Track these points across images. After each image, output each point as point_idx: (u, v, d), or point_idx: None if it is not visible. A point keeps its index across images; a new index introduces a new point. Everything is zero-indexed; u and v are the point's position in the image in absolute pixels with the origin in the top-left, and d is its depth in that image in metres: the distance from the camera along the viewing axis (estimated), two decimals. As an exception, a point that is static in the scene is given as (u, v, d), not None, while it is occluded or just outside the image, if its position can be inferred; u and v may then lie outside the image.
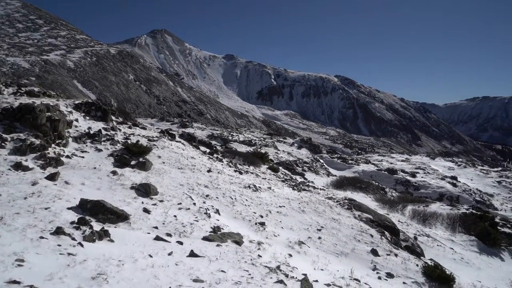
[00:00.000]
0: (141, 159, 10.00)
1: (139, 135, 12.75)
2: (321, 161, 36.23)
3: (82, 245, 4.84)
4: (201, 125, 47.80)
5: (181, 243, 6.03)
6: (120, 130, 12.73)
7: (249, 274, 5.24)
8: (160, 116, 64.10)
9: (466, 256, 11.02)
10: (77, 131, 10.66)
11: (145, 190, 8.17)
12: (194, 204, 8.34)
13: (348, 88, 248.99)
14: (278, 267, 5.88)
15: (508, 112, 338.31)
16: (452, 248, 11.41)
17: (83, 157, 9.25)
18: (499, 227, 14.03)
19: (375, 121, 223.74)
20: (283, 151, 35.01)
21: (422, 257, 9.47)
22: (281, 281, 5.13)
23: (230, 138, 36.66)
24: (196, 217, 7.60)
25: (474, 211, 15.35)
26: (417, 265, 8.15)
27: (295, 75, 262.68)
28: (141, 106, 75.28)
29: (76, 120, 11.31)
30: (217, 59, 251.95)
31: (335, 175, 29.10)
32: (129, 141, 11.19)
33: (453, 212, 14.82)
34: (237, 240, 6.80)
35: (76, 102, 13.04)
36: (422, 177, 36.36)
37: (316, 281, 5.67)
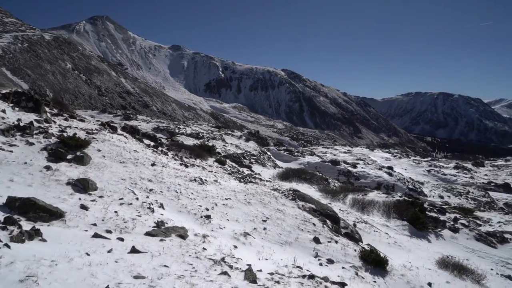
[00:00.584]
0: (78, 153, 9.42)
1: (76, 127, 11.98)
2: (268, 153, 36.86)
3: (8, 247, 4.46)
4: (146, 117, 46.14)
5: (122, 239, 5.81)
6: (55, 122, 11.86)
7: (193, 268, 5.21)
8: (101, 108, 60.74)
9: (399, 239, 11.92)
10: (4, 123, 9.74)
11: (83, 186, 7.73)
12: (137, 199, 8.07)
13: (295, 82, 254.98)
14: (222, 259, 5.92)
15: (437, 107, 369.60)
16: (387, 233, 12.28)
17: (11, 151, 8.49)
18: (427, 212, 15.37)
19: (320, 114, 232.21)
20: (231, 144, 35.06)
21: (360, 243, 10.08)
22: (225, 273, 5.18)
23: (177, 131, 35.87)
24: (139, 212, 7.36)
25: (406, 198, 16.64)
26: (355, 250, 8.66)
27: (243, 68, 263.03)
28: (81, 97, 70.69)
29: (3, 111, 10.33)
30: (163, 50, 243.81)
31: (282, 167, 29.79)
32: (65, 134, 10.48)
33: (388, 200, 15.94)
34: (182, 234, 6.71)
35: (3, 91, 11.90)
36: (362, 168, 38.51)
37: (260, 270, 5.80)
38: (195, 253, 5.91)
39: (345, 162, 40.24)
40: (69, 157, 9.15)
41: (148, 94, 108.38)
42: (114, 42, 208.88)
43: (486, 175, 54.41)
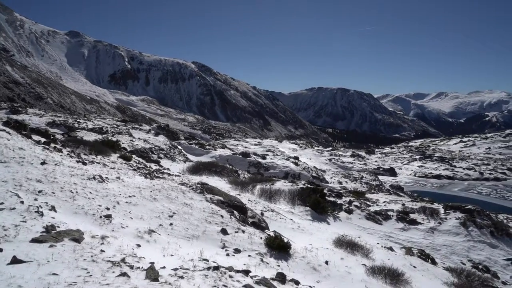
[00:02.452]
0: None
1: None
2: (179, 147, 36.09)
3: None
4: (39, 111, 41.02)
5: (0, 250, 5.09)
6: None
7: (88, 272, 4.83)
8: (-21, 99, 52.12)
9: (302, 224, 12.79)
10: None
11: None
12: (22, 202, 7.14)
13: (206, 75, 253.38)
14: (123, 259, 5.61)
15: (336, 101, 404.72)
16: (291, 219, 13.07)
17: None
18: (327, 197, 16.79)
19: (231, 107, 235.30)
20: (139, 138, 33.33)
21: (266, 230, 10.55)
22: (124, 274, 4.91)
23: (76, 125, 32.71)
24: (24, 217, 6.53)
25: (309, 186, 17.91)
26: (261, 238, 9.02)
27: (151, 59, 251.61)
28: (-50, 87, 59.72)
29: None
30: (59, 36, 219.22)
31: (193, 161, 29.44)
32: None
33: (293, 188, 16.97)
34: (77, 237, 6.16)
35: None
36: (271, 159, 40.25)
37: (164, 267, 5.65)
38: (91, 256, 5.48)
39: (255, 154, 41.54)
40: None
41: (41, 85, 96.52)
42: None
43: (376, 161, 61.63)
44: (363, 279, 8.30)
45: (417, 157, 69.63)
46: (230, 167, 25.60)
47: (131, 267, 5.36)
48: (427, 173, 57.04)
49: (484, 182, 53.81)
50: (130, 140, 30.38)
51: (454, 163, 63.48)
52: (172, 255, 6.65)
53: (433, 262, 12.19)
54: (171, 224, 8.42)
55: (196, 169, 20.44)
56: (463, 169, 60.17)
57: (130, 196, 9.52)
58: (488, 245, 15.14)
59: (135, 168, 15.10)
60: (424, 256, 12.38)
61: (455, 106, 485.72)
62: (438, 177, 55.20)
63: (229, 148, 44.41)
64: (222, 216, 9.66)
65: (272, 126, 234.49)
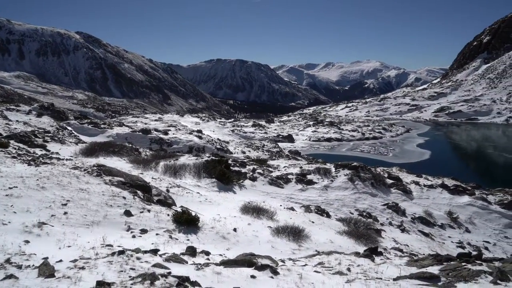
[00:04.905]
0: None
1: None
2: (69, 128, 32.59)
3: None
4: None
5: None
6: None
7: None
8: None
9: (209, 196, 12.93)
10: None
11: None
12: None
13: (94, 47, 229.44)
14: (7, 260, 4.93)
15: (236, 73, 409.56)
16: (198, 192, 13.10)
17: None
18: (231, 167, 17.20)
19: (127, 82, 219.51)
20: (17, 121, 28.93)
21: (173, 207, 10.39)
22: (10, 276, 4.33)
23: None
24: None
25: (214, 158, 18.07)
26: (168, 215, 8.87)
27: (24, 29, 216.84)
28: None
29: None
30: None
31: (86, 142, 26.93)
32: None
33: (198, 161, 16.91)
34: None
35: None
36: (174, 134, 39.23)
37: (61, 261, 5.15)
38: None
39: (156, 130, 39.95)
40: None
41: None
42: None
43: (275, 129, 65.03)
44: (269, 240, 8.88)
45: (311, 123, 75.68)
46: (130, 145, 24.15)
47: (19, 267, 4.76)
48: (320, 137, 62.62)
49: (366, 141, 61.64)
50: (6, 124, 26.15)
51: (341, 127, 70.89)
52: (69, 246, 6.11)
53: (328, 216, 13.69)
54: (65, 213, 7.66)
55: (91, 150, 18.76)
56: (349, 131, 67.71)
57: (10, 188, 8.31)
58: (370, 195, 17.57)
59: (15, 155, 13.16)
60: (320, 211, 13.79)
61: (340, 75, 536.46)
62: (329, 140, 61.18)
63: (127, 126, 41.72)
64: (124, 198, 9.16)
65: (172, 100, 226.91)
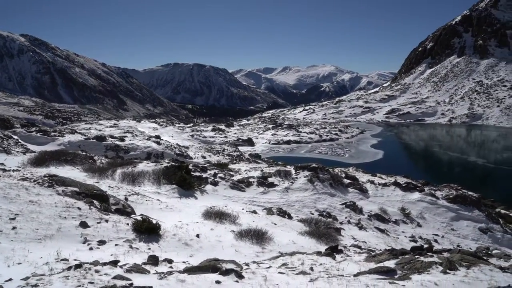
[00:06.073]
0: None
1: None
2: (15, 137, 30.54)
3: None
4: None
5: None
6: None
7: None
8: None
9: (170, 203, 12.66)
10: None
11: None
12: None
13: (41, 51, 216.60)
14: None
15: (194, 77, 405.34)
16: (159, 200, 12.78)
17: None
18: (192, 173, 16.97)
19: (78, 87, 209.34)
20: (-48, 130, 26.57)
21: (133, 215, 10.05)
22: (-48, 299, 3.98)
23: None
24: None
25: (173, 163, 17.72)
26: (128, 224, 8.58)
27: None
28: None
29: None
30: None
31: (35, 151, 25.31)
32: None
33: (158, 168, 16.51)
34: None
35: None
36: (130, 140, 37.97)
37: (10, 279, 4.81)
38: None
39: (112, 136, 38.48)
40: None
41: None
42: None
43: (235, 133, 65.05)
44: (232, 244, 8.87)
45: (270, 126, 76.63)
46: (84, 153, 23.02)
47: (-39, 290, 4.38)
48: (279, 140, 63.58)
49: (323, 143, 63.54)
50: None
51: (300, 129, 72.49)
52: (20, 263, 5.71)
53: (290, 217, 13.92)
54: (14, 227, 7.15)
55: (41, 160, 17.65)
56: (307, 133, 69.42)
57: None
58: (329, 195, 18.12)
59: (-48, 167, 12.07)
60: (282, 213, 14.00)
61: (297, 79, 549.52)
62: (288, 142, 62.33)
63: (80, 133, 39.76)
64: (79, 208, 8.72)
65: (128, 106, 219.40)
